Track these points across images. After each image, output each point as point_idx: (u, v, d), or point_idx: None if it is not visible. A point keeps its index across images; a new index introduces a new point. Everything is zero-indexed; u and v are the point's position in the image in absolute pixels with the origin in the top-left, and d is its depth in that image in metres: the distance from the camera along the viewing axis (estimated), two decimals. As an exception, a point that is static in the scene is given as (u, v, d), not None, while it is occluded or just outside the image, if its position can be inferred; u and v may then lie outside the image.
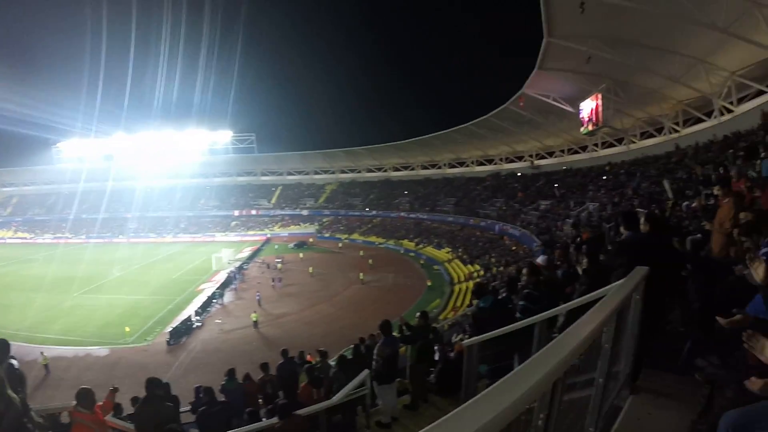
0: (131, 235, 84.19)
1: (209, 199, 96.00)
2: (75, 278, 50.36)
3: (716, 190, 7.97)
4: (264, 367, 12.05)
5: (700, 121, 37.22)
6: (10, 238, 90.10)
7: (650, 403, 3.97)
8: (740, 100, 32.06)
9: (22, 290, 46.72)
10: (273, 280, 47.46)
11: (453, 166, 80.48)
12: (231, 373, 11.60)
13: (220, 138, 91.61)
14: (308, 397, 9.20)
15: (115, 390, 7.39)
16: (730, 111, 32.80)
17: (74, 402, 6.01)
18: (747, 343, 2.33)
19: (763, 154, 13.15)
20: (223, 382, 11.25)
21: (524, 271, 8.55)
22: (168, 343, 31.53)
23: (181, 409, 10.90)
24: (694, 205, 13.40)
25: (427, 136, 70.74)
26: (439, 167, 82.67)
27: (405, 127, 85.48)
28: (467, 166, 77.97)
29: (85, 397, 5.95)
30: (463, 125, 62.63)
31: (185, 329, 33.60)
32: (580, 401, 2.97)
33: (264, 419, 8.69)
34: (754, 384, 2.25)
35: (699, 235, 8.64)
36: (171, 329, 32.81)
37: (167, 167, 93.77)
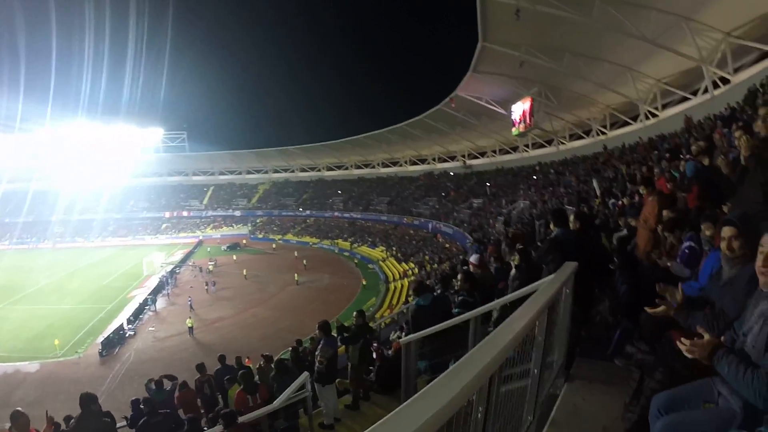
0: (56, 240, 79.20)
1: (139, 201, 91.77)
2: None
3: (641, 189, 8.34)
4: (200, 367, 11.84)
5: (626, 124, 39.28)
6: None
7: (584, 390, 4.14)
8: (665, 106, 34.27)
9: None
10: (206, 284, 46.31)
11: (386, 166, 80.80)
12: (158, 383, 11.30)
13: (150, 136, 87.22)
14: (243, 404, 9.07)
15: (51, 419, 7.16)
16: (654, 115, 34.95)
17: (8, 425, 5.82)
18: (661, 293, 2.47)
19: (687, 156, 13.78)
20: (150, 394, 10.98)
21: (459, 276, 8.67)
22: (100, 354, 30.24)
23: (117, 425, 10.61)
24: (620, 203, 13.92)
25: (360, 135, 70.75)
26: (373, 167, 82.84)
27: (339, 127, 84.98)
28: (401, 165, 78.46)
29: (18, 419, 5.79)
30: (396, 125, 63.09)
31: (118, 339, 32.32)
32: (517, 392, 3.05)
33: (206, 428, 8.56)
34: (683, 345, 2.39)
35: (625, 232, 9.03)
36: (103, 339, 31.52)
37: (94, 167, 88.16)
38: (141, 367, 27.73)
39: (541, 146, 53.15)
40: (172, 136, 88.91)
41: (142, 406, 10.23)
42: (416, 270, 42.58)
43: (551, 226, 6.19)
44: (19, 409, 5.95)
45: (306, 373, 8.78)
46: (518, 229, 22.17)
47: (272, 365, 11.96)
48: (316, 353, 8.98)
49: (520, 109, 42.93)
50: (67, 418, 9.63)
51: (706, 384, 2.63)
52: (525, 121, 42.42)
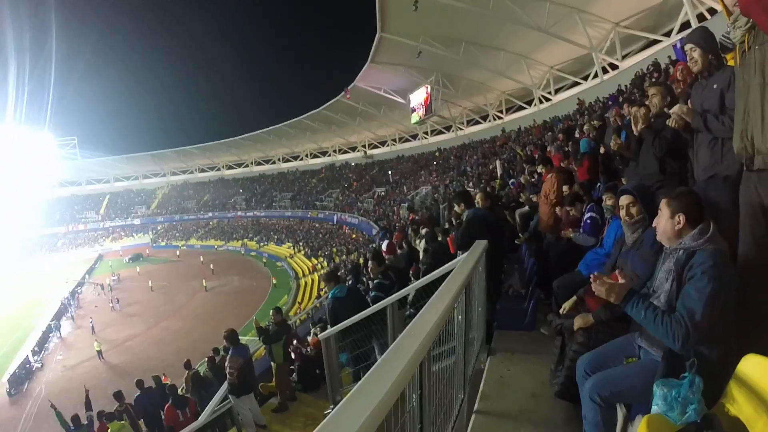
0: None
1: (30, 217, 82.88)
2: None
3: (540, 168, 8.69)
4: (118, 395, 11.20)
5: (521, 108, 41.52)
6: None
7: (508, 361, 4.31)
8: (557, 90, 37.30)
9: None
10: (111, 302, 43.81)
11: (288, 161, 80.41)
12: (75, 420, 10.66)
13: (39, 143, 79.57)
14: (174, 420, 8.81)
15: None
16: (548, 99, 37.84)
17: None
18: (596, 289, 2.60)
19: (578, 133, 14.52)
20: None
21: (369, 262, 8.67)
22: (9, 393, 27.38)
23: None
24: (518, 182, 14.44)
25: (259, 131, 69.70)
26: (274, 162, 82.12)
27: (238, 124, 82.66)
28: (302, 159, 78.26)
29: None
30: (296, 119, 62.65)
31: (25, 374, 29.50)
32: (446, 370, 3.10)
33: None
34: (600, 287, 2.54)
35: (527, 208, 9.39)
36: (9, 376, 28.68)
37: None
38: (54, 401, 25.64)
39: (440, 133, 54.80)
40: (62, 143, 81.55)
41: None
42: (325, 263, 42.46)
43: (456, 208, 6.30)
44: None
45: (226, 384, 8.61)
46: (423, 214, 22.61)
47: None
48: (226, 365, 8.65)
49: (418, 97, 43.89)
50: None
51: (626, 340, 2.83)
52: (423, 109, 43.23)
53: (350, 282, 11.44)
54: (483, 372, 4.18)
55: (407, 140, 61.61)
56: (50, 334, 36.62)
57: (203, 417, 8.29)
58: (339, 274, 11.07)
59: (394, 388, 1.57)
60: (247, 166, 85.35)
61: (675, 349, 2.29)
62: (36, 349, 33.04)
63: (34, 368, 30.70)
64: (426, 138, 57.36)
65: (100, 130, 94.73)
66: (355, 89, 47.64)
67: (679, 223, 2.50)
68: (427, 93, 42.33)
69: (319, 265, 43.74)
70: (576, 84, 35.19)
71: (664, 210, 2.54)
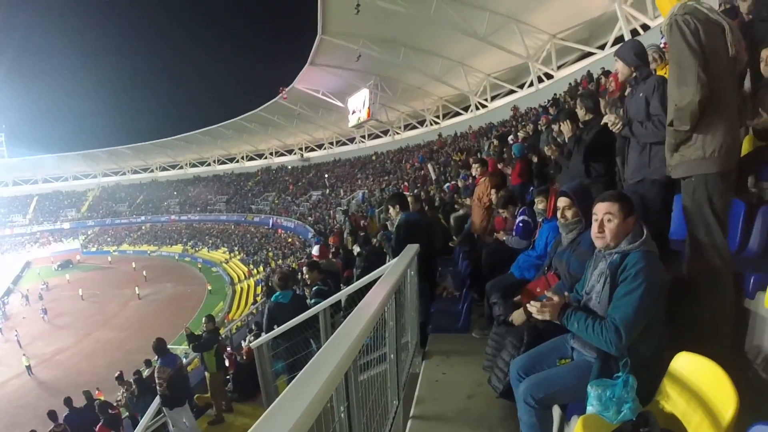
0: None
1: None
2: None
3: (474, 171, 8.80)
4: (52, 415, 10.74)
5: (458, 114, 42.50)
6: None
7: (443, 364, 4.30)
8: (494, 97, 38.62)
9: None
10: (40, 312, 41.66)
11: (223, 163, 79.02)
12: None
13: None
14: None
15: None
16: (484, 106, 39.19)
17: None
18: (533, 312, 2.67)
19: (512, 139, 14.87)
20: None
21: (305, 270, 8.52)
22: None
23: None
24: (453, 184, 14.63)
25: (194, 132, 68.32)
26: (209, 164, 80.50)
27: (172, 124, 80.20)
28: (237, 161, 77.23)
29: None
30: (232, 120, 61.80)
31: None
32: (379, 377, 3.06)
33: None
34: (533, 307, 2.61)
35: (461, 211, 9.50)
36: None
37: None
38: None
39: (377, 137, 55.12)
40: None
41: None
42: (261, 268, 42.00)
43: (390, 211, 6.28)
44: None
45: (158, 398, 8.35)
46: (358, 218, 22.69)
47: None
48: (155, 375, 8.38)
49: (356, 101, 44.32)
50: None
51: (559, 341, 2.88)
52: (362, 113, 43.48)
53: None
54: (418, 376, 4.17)
55: (344, 144, 61.70)
56: None
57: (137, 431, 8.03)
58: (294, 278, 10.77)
59: (317, 401, 1.48)
60: (181, 167, 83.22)
61: (612, 352, 2.35)
62: None
63: None
64: (363, 141, 57.63)
65: (29, 128, 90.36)
66: (293, 91, 47.24)
67: (628, 225, 2.54)
68: (365, 96, 42.84)
69: (255, 270, 43.22)
70: (512, 92, 36.35)
71: (616, 213, 2.54)
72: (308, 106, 51.17)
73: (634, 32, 24.12)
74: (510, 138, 15.83)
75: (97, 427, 9.16)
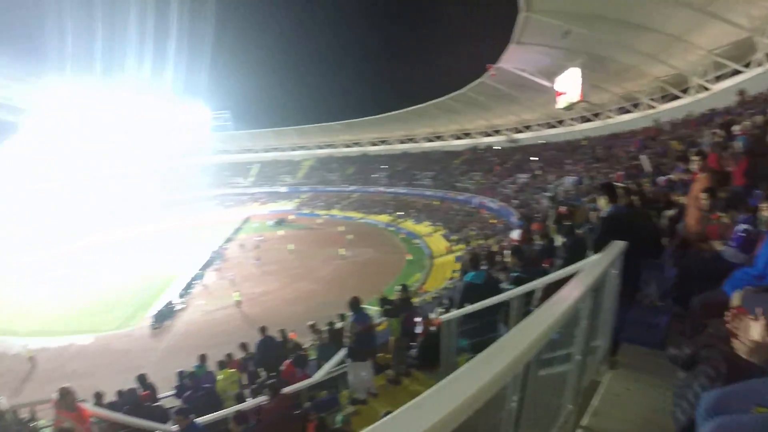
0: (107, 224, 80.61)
1: (188, 180, 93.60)
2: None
3: (692, 165, 8.04)
4: (243, 346, 12.16)
5: (676, 98, 37.78)
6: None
7: (629, 378, 3.96)
8: (717, 79, 32.75)
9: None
10: (254, 259, 47.06)
11: (430, 140, 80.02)
12: (202, 358, 11.77)
13: (197, 116, 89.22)
14: (291, 376, 9.18)
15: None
16: (706, 89, 33.54)
17: (56, 398, 5.96)
18: (731, 324, 2.30)
19: (738, 129, 13.29)
20: (194, 368, 11.36)
21: (508, 253, 8.39)
22: (152, 327, 31.19)
23: (164, 394, 11.05)
24: (668, 179, 13.53)
25: (403, 110, 70.33)
26: (417, 141, 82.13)
27: (381, 101, 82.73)
28: (444, 140, 77.66)
29: (65, 396, 5.93)
30: (439, 99, 62.49)
31: (168, 312, 33.16)
32: (557, 377, 2.97)
33: (250, 399, 8.74)
34: (742, 345, 2.23)
35: (675, 210, 8.75)
36: (154, 313, 32.52)
37: (143, 149, 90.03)
38: (189, 339, 28.57)
39: (588, 120, 51.92)
40: (217, 116, 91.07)
41: (184, 381, 10.60)
42: (462, 245, 42.16)
43: (599, 202, 5.95)
44: (66, 385, 6.11)
45: (344, 349, 8.84)
46: (565, 206, 21.84)
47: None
48: (345, 329, 8.91)
49: (565, 81, 42.15)
50: (119, 392, 10.05)
51: (758, 384, 2.34)
52: (572, 94, 41.55)
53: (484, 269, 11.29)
54: (599, 385, 3.88)
55: (553, 126, 58.79)
56: (195, 282, 40.60)
57: (318, 375, 8.57)
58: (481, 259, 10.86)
59: (491, 384, 1.50)
60: (390, 144, 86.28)
61: None
62: (182, 292, 37.11)
63: (177, 309, 34.22)
64: (573, 124, 54.46)
65: (251, 105, 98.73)
66: (499, 70, 46.33)
67: None
68: (575, 76, 40.54)
69: (454, 246, 43.56)
70: (736, 72, 30.83)
71: None
72: (515, 85, 49.53)
73: None
74: (735, 128, 14.13)
75: (285, 362, 9.79)
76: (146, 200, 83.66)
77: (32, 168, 74.22)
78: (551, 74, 43.12)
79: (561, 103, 44.42)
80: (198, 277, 42.01)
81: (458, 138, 75.62)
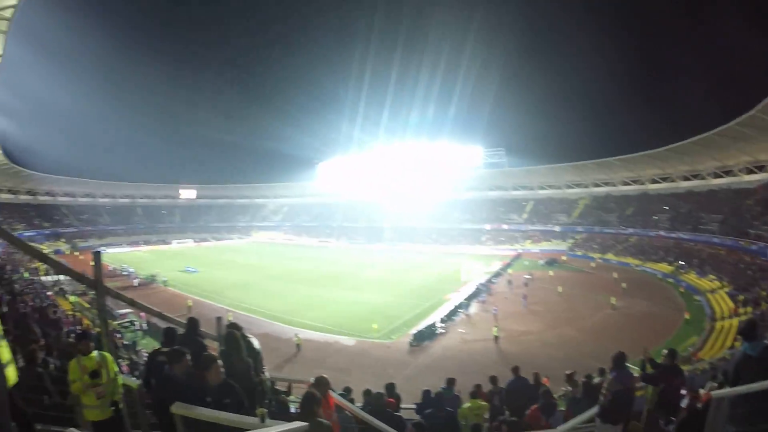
0: (386, 243, 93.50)
1: (460, 213, 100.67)
2: (333, 276, 60.27)
3: None
4: (493, 379, 12.19)
5: None
6: (280, 239, 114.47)
7: None
8: None
9: (287, 281, 58.67)
10: (520, 297, 46.94)
11: (718, 176, 71.47)
12: (450, 382, 11.90)
13: (472, 154, 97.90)
14: (535, 421, 8.87)
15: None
16: None
17: (311, 380, 6.59)
18: None
19: None
20: (441, 389, 11.50)
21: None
22: (410, 344, 33.25)
23: (406, 406, 11.73)
24: None
25: (686, 141, 64.64)
26: (702, 177, 74.17)
27: (663, 132, 75.34)
28: (734, 174, 68.68)
29: (320, 384, 6.46)
30: (725, 126, 56.13)
31: (429, 334, 34.99)
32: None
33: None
34: None
35: None
36: (415, 332, 34.73)
37: (421, 183, 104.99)
38: (442, 362, 29.80)
39: None
40: (491, 153, 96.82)
41: (430, 398, 11.03)
42: (749, 308, 36.47)
43: None
44: (324, 375, 6.70)
45: (597, 407, 8.23)
46: None
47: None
48: (604, 385, 8.20)
49: None
50: (367, 391, 10.84)
51: None
52: None
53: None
54: None
55: None
56: (459, 310, 42.66)
57: (562, 428, 8.05)
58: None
59: None
60: (672, 180, 79.33)
61: None
62: (444, 318, 39.18)
63: (437, 332, 36.10)
64: None
65: (525, 141, 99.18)
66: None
67: None
68: None
69: (742, 309, 37.98)
70: None
71: None
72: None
73: None
74: None
75: (533, 407, 9.60)
76: (422, 230, 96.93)
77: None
78: None
79: None
80: (463, 306, 43.75)
81: (750, 172, 66.10)
